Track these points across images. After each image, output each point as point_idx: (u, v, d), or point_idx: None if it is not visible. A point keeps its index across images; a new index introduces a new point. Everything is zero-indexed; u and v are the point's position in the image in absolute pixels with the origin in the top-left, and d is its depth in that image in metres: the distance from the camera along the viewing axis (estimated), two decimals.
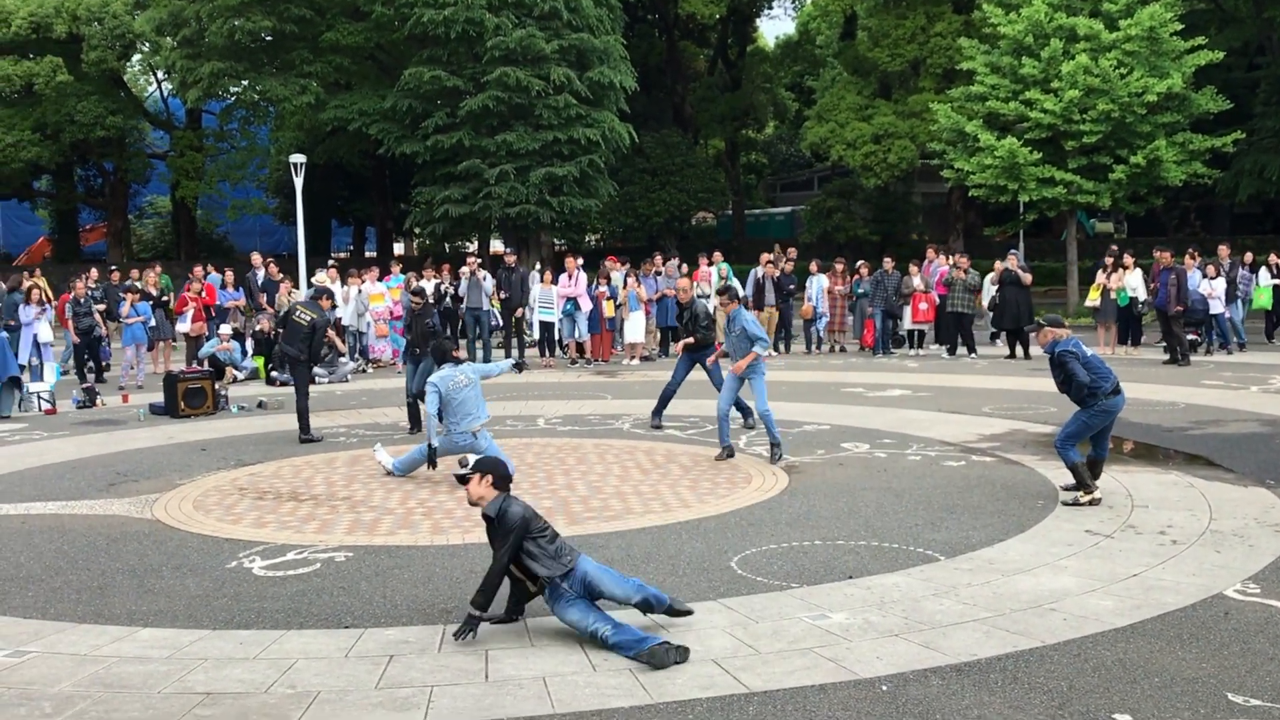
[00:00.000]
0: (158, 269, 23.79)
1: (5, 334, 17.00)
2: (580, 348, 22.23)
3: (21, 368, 19.18)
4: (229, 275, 22.66)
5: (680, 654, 6.17)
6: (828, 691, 5.78)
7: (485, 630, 6.77)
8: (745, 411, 13.57)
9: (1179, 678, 5.87)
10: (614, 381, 19.32)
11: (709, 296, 21.80)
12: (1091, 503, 9.51)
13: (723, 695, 5.76)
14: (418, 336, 14.41)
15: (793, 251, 25.42)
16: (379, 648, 6.56)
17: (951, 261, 22.39)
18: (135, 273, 23.50)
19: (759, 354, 11.89)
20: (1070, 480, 9.89)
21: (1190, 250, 22.53)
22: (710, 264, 23.68)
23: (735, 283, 22.78)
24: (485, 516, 6.80)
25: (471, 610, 6.56)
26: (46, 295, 20.83)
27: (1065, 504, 9.60)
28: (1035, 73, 27.46)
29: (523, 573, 6.71)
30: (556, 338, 22.31)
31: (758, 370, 11.95)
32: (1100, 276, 21.84)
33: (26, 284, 20.97)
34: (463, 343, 22.42)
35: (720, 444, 12.11)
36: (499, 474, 6.89)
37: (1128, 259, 21.76)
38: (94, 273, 23.26)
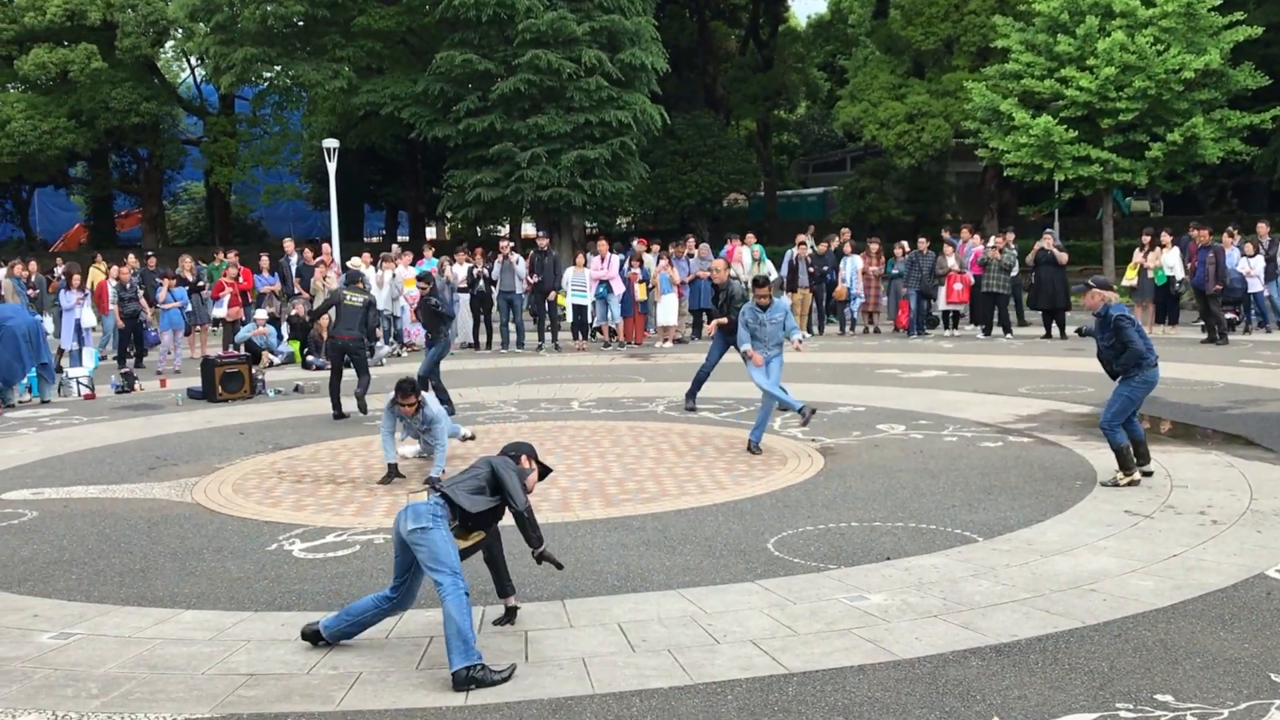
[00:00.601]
0: (228, 256, 23.59)
1: (38, 317, 17.02)
2: (612, 331, 22.25)
3: (62, 352, 19.41)
4: (264, 261, 22.77)
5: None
6: (867, 672, 5.79)
7: (524, 610, 6.81)
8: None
9: (1221, 658, 5.84)
10: (647, 364, 19.33)
11: (741, 278, 21.78)
12: (1131, 484, 9.45)
13: (762, 676, 5.78)
14: (427, 319, 14.55)
15: (846, 232, 25.15)
16: (420, 629, 6.61)
17: (998, 242, 22.17)
18: (185, 259, 23.47)
19: (797, 341, 12.00)
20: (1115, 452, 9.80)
21: (1229, 228, 22.29)
22: (743, 244, 23.61)
23: (770, 265, 22.83)
24: None
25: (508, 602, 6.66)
26: (111, 276, 20.99)
27: (1104, 484, 9.54)
28: (1071, 50, 27.19)
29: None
30: (589, 321, 22.31)
31: (779, 356, 11.92)
32: (1137, 255, 21.66)
33: (94, 269, 21.13)
34: (496, 326, 22.50)
35: (795, 411, 11.89)
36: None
37: (1165, 237, 21.56)
38: (131, 259, 23.42)
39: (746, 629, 6.44)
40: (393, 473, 10.50)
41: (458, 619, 5.81)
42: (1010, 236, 22.67)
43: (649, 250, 23.00)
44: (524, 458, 6.65)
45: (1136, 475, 9.52)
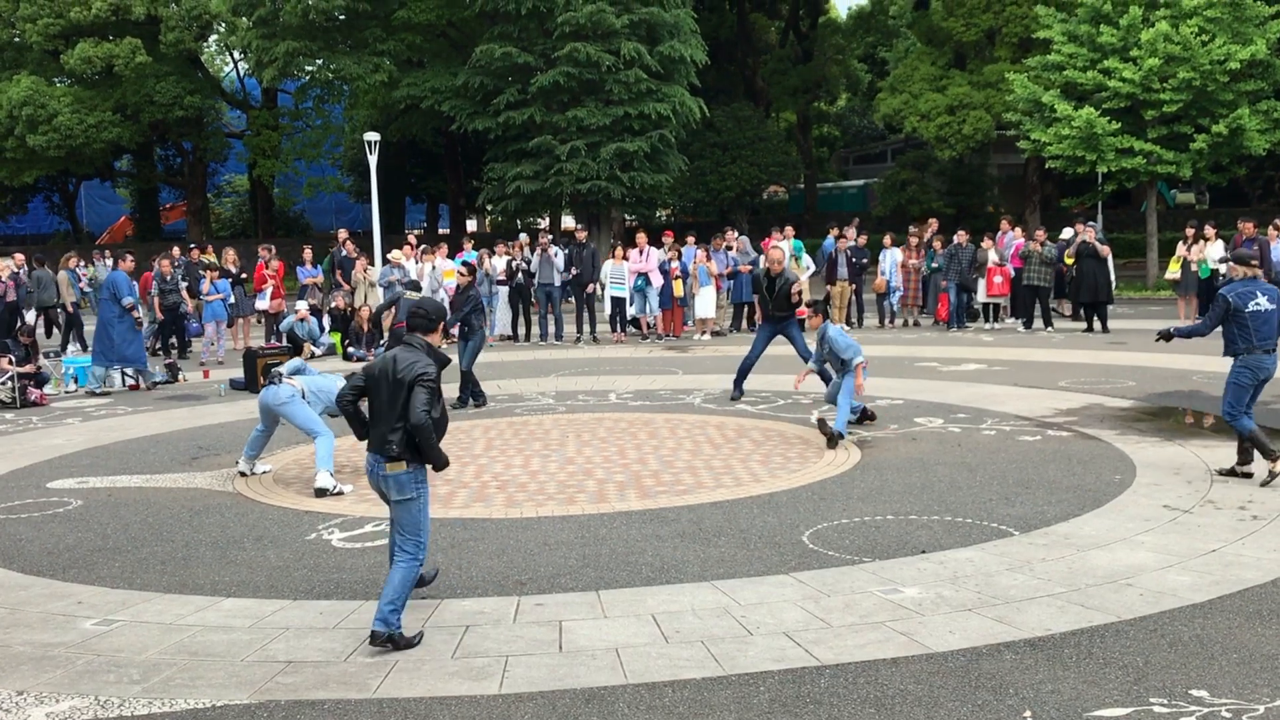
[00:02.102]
0: (261, 250, 23.76)
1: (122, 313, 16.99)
2: (650, 323, 22.25)
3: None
4: (307, 253, 22.96)
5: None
6: (900, 665, 5.79)
7: (559, 601, 6.86)
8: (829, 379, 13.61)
9: (1258, 654, 5.80)
10: (685, 356, 19.33)
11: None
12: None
13: (794, 668, 5.79)
14: (459, 309, 14.68)
15: (934, 223, 24.61)
16: (455, 618, 6.67)
17: (1039, 235, 21.94)
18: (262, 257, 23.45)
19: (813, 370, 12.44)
20: (1226, 465, 9.64)
21: (1275, 221, 22.00)
22: (782, 238, 23.53)
23: (807, 259, 22.74)
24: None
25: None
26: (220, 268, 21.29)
27: (1264, 484, 9.19)
28: (1114, 41, 26.93)
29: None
30: (628, 313, 22.34)
31: (848, 374, 11.86)
32: (1181, 248, 21.45)
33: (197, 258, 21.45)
34: (534, 318, 22.57)
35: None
36: None
37: (1209, 230, 21.33)
38: (175, 251, 23.67)
39: (780, 621, 6.46)
40: None
41: (402, 588, 6.27)
42: (1042, 234, 22.24)
43: (659, 245, 22.80)
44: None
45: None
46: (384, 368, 6.46)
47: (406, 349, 6.49)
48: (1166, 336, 10.03)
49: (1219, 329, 9.51)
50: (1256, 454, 9.38)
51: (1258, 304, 9.29)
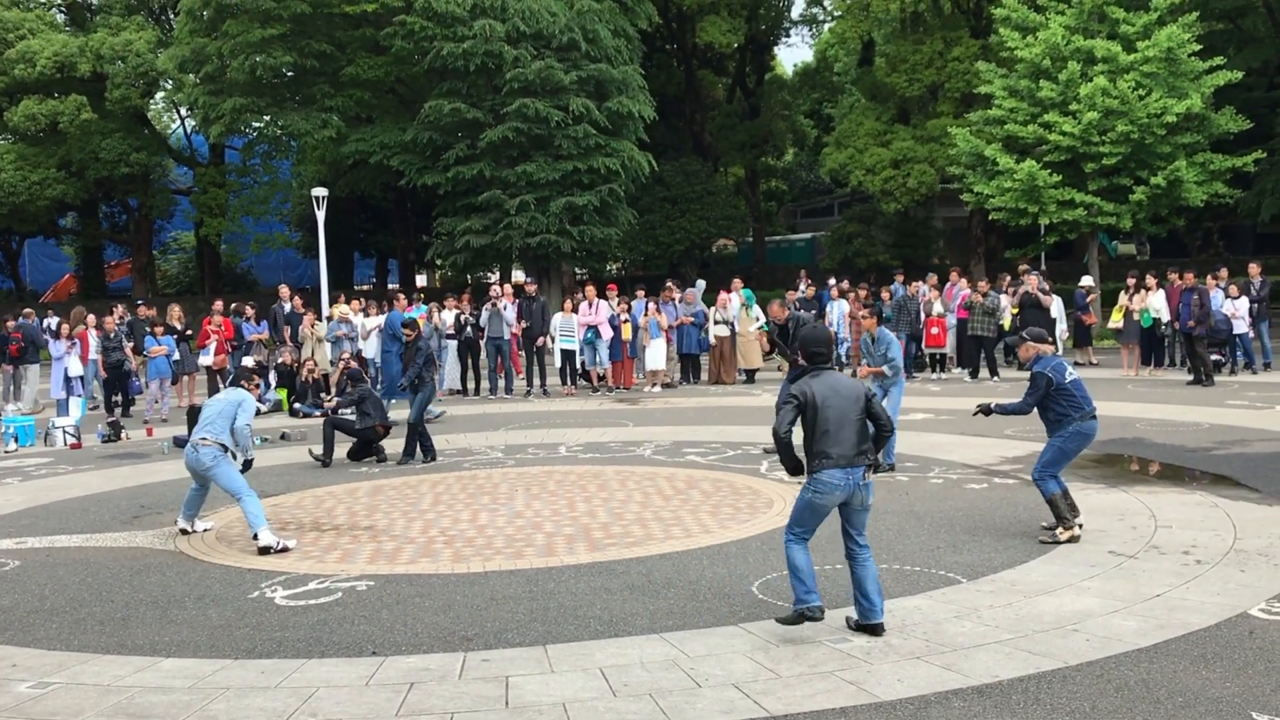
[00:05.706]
0: (214, 305, 23.59)
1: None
2: (601, 375, 22.26)
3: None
4: (249, 310, 22.79)
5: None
6: (848, 714, 5.76)
7: (506, 656, 6.79)
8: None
9: (1203, 697, 5.82)
10: (635, 409, 19.31)
11: (728, 323, 22.07)
12: (1071, 540, 9.02)
13: (743, 719, 5.75)
14: (410, 364, 14.65)
15: (899, 276, 24.52)
16: (400, 675, 6.57)
17: (981, 286, 22.23)
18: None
19: (887, 374, 12.52)
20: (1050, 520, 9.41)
21: (1212, 271, 22.40)
22: (731, 291, 23.67)
23: (758, 310, 22.91)
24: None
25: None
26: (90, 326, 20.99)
27: (1043, 541, 9.12)
28: (1053, 95, 27.44)
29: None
30: (578, 366, 22.34)
31: (897, 383, 12.61)
32: (1123, 298, 21.77)
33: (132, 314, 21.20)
34: (484, 372, 22.49)
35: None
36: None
37: (1150, 280, 21.68)
38: (120, 308, 23.43)
39: (729, 672, 6.42)
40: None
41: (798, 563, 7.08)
42: (985, 285, 22.62)
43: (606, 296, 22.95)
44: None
45: (1077, 530, 9.11)
46: (828, 393, 7.00)
47: (826, 373, 7.15)
48: (986, 411, 9.71)
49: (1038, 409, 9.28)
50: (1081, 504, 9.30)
51: (1073, 374, 9.23)
